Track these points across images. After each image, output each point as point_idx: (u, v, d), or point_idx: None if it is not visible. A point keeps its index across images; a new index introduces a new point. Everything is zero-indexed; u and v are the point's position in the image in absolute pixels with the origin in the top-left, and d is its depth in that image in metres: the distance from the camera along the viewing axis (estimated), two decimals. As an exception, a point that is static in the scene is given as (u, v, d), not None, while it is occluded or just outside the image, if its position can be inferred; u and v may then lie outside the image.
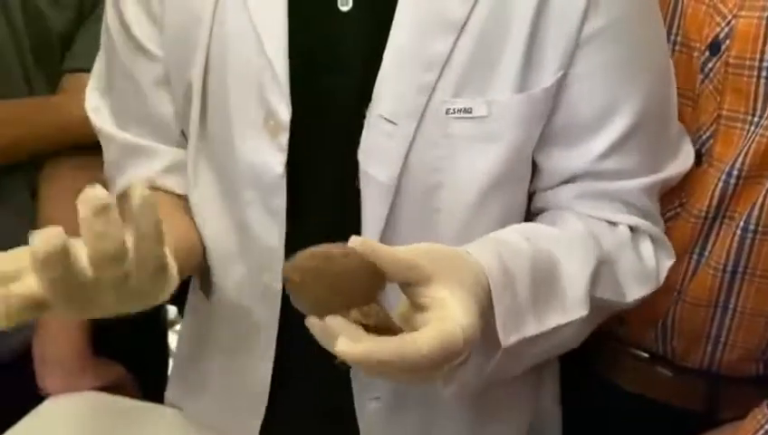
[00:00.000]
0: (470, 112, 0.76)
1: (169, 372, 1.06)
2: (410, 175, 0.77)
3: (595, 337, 1.01)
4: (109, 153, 0.91)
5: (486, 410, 0.87)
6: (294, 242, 0.78)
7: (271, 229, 0.82)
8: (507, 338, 0.68)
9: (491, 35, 0.75)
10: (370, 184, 0.78)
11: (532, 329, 0.70)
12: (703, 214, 0.90)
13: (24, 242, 0.99)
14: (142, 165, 0.89)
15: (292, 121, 0.78)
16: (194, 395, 0.98)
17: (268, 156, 0.80)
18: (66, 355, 1.06)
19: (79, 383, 1.07)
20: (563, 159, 0.80)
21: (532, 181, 0.83)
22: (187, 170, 0.87)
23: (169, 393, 1.03)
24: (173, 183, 0.89)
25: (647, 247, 0.83)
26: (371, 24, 0.76)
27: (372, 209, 0.78)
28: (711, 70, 0.88)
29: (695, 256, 0.92)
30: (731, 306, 0.91)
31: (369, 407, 0.86)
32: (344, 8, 0.77)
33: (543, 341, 0.72)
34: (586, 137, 0.79)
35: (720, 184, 0.88)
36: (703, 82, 0.89)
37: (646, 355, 0.99)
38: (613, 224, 0.82)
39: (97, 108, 0.91)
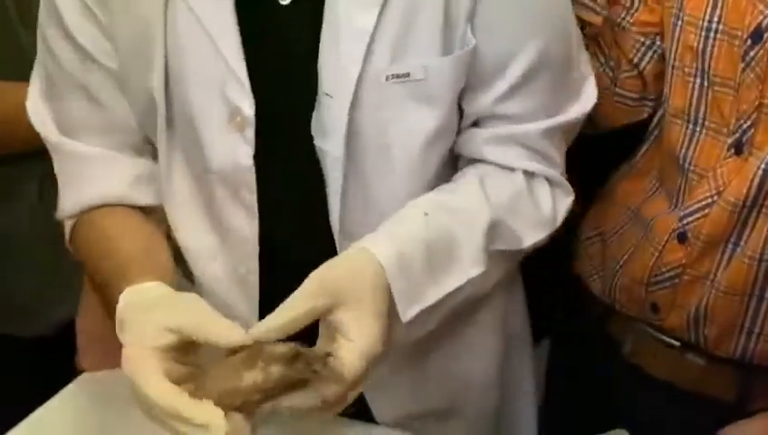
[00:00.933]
0: (408, 76, 0.81)
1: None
2: (357, 142, 0.82)
3: (624, 322, 1.02)
4: (60, 164, 0.90)
5: (460, 347, 0.97)
6: (268, 232, 0.85)
7: (245, 223, 0.86)
8: (406, 314, 0.76)
9: (413, 4, 0.79)
10: (325, 157, 0.83)
11: (431, 298, 0.78)
12: (740, 203, 0.90)
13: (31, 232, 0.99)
14: (104, 178, 0.89)
15: (255, 114, 0.81)
16: None
17: (236, 151, 0.83)
18: (109, 334, 1.07)
19: (118, 362, 1.07)
20: (471, 101, 0.86)
21: None
22: (160, 174, 0.88)
23: None
24: (139, 196, 0.90)
25: (543, 193, 0.89)
26: (309, 13, 0.81)
27: (332, 181, 0.83)
28: (753, 58, 0.88)
29: (730, 246, 0.92)
30: (766, 296, 0.91)
31: None
32: (284, 2, 0.80)
33: (449, 299, 0.80)
34: (490, 80, 0.84)
35: (759, 173, 0.88)
36: (744, 70, 0.89)
37: (677, 343, 0.99)
38: (511, 171, 0.87)
39: (41, 116, 0.90)
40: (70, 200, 0.90)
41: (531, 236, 0.87)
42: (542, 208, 0.88)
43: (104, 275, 0.83)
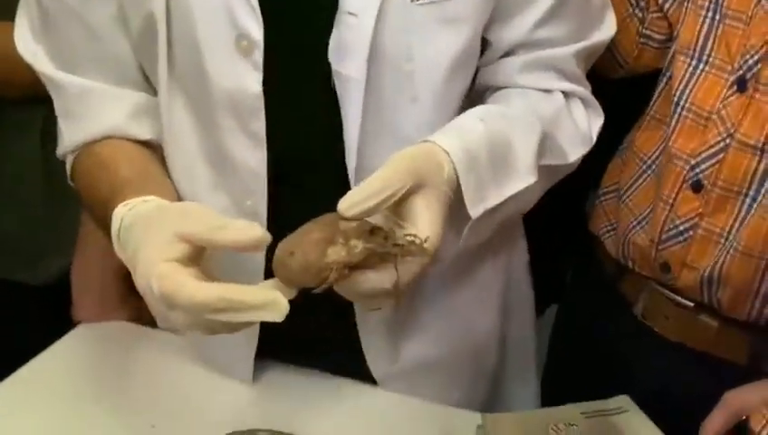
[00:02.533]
0: None
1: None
2: (380, 66, 0.80)
3: (637, 282, 1.00)
4: (60, 100, 0.88)
5: (461, 301, 0.97)
6: (275, 163, 0.82)
7: (252, 153, 0.82)
8: (476, 211, 0.76)
9: None
10: (344, 82, 0.79)
11: (493, 200, 0.78)
12: (759, 145, 0.86)
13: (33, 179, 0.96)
14: (104, 111, 0.86)
15: (264, 39, 0.78)
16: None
17: (243, 77, 0.79)
18: (104, 287, 1.06)
19: (113, 315, 1.06)
20: (504, 32, 0.87)
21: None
22: (160, 106, 0.85)
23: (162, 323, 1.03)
24: (139, 129, 0.87)
25: (579, 111, 0.91)
26: None
27: (350, 107, 0.80)
28: None
29: (748, 200, 0.89)
30: None
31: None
32: None
33: (504, 207, 0.80)
34: (522, 10, 0.86)
35: None
36: (759, 2, 0.86)
37: (690, 304, 0.96)
38: (548, 92, 0.89)
39: (34, 53, 0.87)
40: (69, 135, 0.88)
41: (574, 152, 0.89)
42: (579, 126, 0.91)
43: (100, 199, 0.80)
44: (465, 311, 0.97)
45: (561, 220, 1.17)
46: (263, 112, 0.80)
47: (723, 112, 0.89)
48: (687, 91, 0.93)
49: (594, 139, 0.92)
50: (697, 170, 0.91)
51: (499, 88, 0.90)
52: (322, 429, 0.84)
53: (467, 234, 0.78)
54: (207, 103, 0.82)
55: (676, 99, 0.93)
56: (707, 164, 0.91)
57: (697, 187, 0.92)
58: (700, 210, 0.92)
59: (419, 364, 0.96)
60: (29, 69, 0.88)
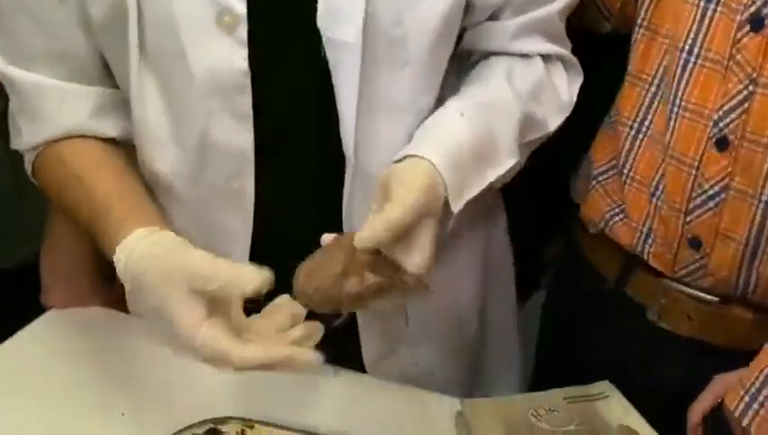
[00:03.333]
0: None
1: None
2: (374, 30, 0.78)
3: (647, 283, 0.95)
4: (16, 97, 0.85)
5: (442, 273, 0.93)
6: (260, 141, 0.81)
7: (239, 134, 0.81)
8: (457, 205, 0.79)
9: None
10: (337, 50, 0.78)
11: (475, 190, 0.81)
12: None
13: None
14: (64, 111, 0.84)
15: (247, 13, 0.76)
16: None
17: (228, 55, 0.77)
18: (74, 273, 1.03)
19: (84, 302, 1.04)
20: None
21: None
22: (131, 98, 0.82)
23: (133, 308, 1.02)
24: (103, 128, 0.85)
25: (560, 76, 0.92)
26: None
27: (344, 75, 0.79)
28: None
29: None
30: None
31: None
32: None
33: (486, 189, 0.83)
34: None
35: None
36: None
37: (715, 298, 0.91)
38: (529, 58, 0.90)
39: None
40: (28, 133, 0.85)
41: (554, 120, 0.91)
42: (560, 93, 0.92)
43: (83, 220, 0.81)
44: (448, 282, 0.96)
45: (542, 201, 1.16)
46: (249, 89, 0.78)
47: (739, 57, 0.83)
48: (701, 36, 0.86)
49: (574, 101, 0.92)
50: (721, 125, 0.85)
51: (484, 53, 0.90)
52: (297, 415, 0.82)
53: (450, 224, 0.80)
54: (185, 87, 0.79)
55: (686, 46, 0.87)
56: (731, 117, 0.84)
57: (723, 144, 0.85)
58: (729, 169, 0.85)
59: (408, 342, 0.96)
60: None
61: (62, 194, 0.84)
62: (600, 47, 1.04)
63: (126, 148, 0.87)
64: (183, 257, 0.71)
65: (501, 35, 0.88)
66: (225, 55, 0.77)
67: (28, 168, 0.88)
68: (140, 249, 0.73)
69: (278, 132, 0.82)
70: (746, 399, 0.73)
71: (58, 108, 0.83)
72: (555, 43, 0.91)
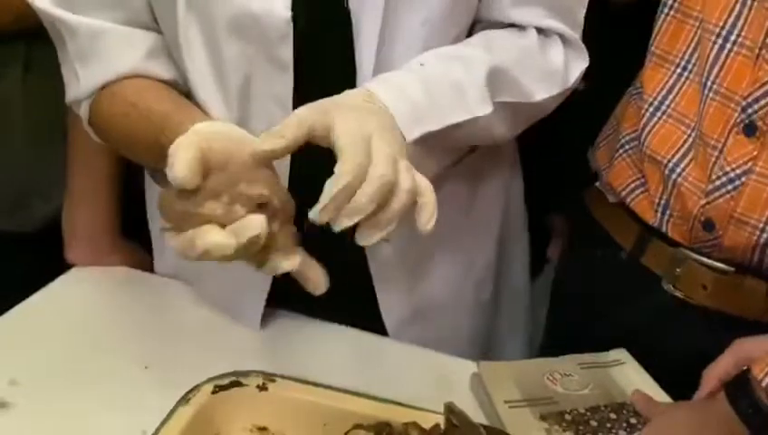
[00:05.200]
0: None
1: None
2: None
3: (664, 252, 0.95)
4: (73, 42, 0.85)
5: (461, 237, 0.98)
6: (302, 91, 0.81)
7: (279, 82, 0.82)
8: (411, 134, 0.75)
9: None
10: (362, 3, 0.80)
11: (435, 123, 0.78)
12: None
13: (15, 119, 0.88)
14: (120, 53, 0.84)
15: None
16: (185, 268, 0.99)
17: (271, 4, 0.79)
18: (97, 232, 1.04)
19: (106, 260, 1.05)
20: None
21: None
22: (179, 44, 0.83)
23: (159, 266, 1.04)
24: (159, 69, 0.86)
25: (555, 50, 0.89)
26: None
27: (366, 29, 0.80)
28: None
29: None
30: None
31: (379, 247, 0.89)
32: None
33: (454, 133, 0.80)
34: None
35: None
36: None
37: (731, 268, 0.90)
38: (522, 29, 0.88)
39: None
40: (85, 78, 0.85)
41: (541, 90, 0.87)
42: (552, 63, 0.88)
43: (140, 143, 0.80)
44: (466, 244, 0.97)
45: (559, 172, 1.17)
46: (291, 39, 0.80)
47: None
48: (740, 22, 0.85)
49: (571, 80, 0.89)
50: (750, 111, 0.85)
51: (486, 22, 0.89)
52: (316, 374, 0.83)
53: (412, 159, 0.74)
54: (228, 35, 0.81)
55: (723, 32, 0.87)
56: (761, 103, 0.84)
57: (751, 130, 0.85)
58: (755, 153, 0.86)
59: (428, 307, 0.97)
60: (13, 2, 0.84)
61: (118, 125, 0.84)
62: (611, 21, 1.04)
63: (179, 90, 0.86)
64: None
65: (503, 4, 0.87)
66: (267, 4, 0.79)
67: (84, 118, 0.88)
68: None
69: (314, 83, 0.82)
70: None
71: (115, 50, 0.84)
72: (558, 19, 0.88)
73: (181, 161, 0.63)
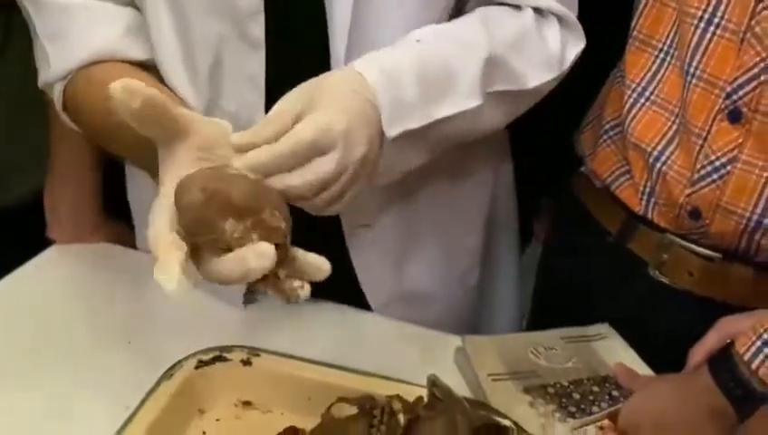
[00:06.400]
0: None
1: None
2: None
3: (650, 238, 0.94)
4: (42, 21, 0.82)
5: (448, 219, 0.97)
6: (274, 70, 0.80)
7: (251, 60, 0.80)
8: (392, 131, 0.73)
9: None
10: None
11: (419, 120, 0.75)
12: None
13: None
14: (95, 30, 0.81)
15: None
16: None
17: None
18: (79, 210, 1.04)
19: (88, 238, 1.05)
20: None
21: None
22: (149, 24, 0.81)
23: (140, 242, 1.03)
24: (136, 49, 0.83)
25: (552, 32, 0.86)
26: None
27: (338, 9, 0.79)
28: None
29: None
30: None
31: (359, 233, 0.90)
32: None
33: (439, 127, 0.77)
34: None
35: None
36: None
37: (718, 255, 0.90)
38: (518, 9, 0.85)
39: None
40: (57, 60, 0.82)
41: (536, 76, 0.84)
42: (549, 47, 0.85)
43: (118, 139, 0.78)
44: (452, 230, 0.96)
45: (547, 154, 1.16)
46: (262, 16, 0.78)
47: (758, 29, 0.82)
48: (722, 5, 0.84)
49: (567, 63, 0.87)
50: (735, 97, 0.84)
51: (479, 1, 0.86)
52: (299, 348, 0.83)
53: (397, 155, 0.76)
54: (198, 11, 0.79)
55: (705, 15, 0.86)
56: (745, 90, 0.83)
57: (735, 117, 0.85)
58: (740, 141, 0.85)
59: (413, 293, 0.97)
60: None
61: (97, 110, 0.80)
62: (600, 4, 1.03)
63: (154, 72, 0.85)
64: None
65: None
66: None
67: (58, 102, 0.85)
68: None
69: (286, 62, 0.81)
70: (758, 343, 0.74)
71: (88, 28, 0.81)
72: None
73: (170, 275, 0.60)
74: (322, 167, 0.67)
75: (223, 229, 0.61)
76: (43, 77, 0.84)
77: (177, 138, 0.65)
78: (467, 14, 0.84)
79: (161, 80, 0.84)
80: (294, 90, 0.71)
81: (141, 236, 1.04)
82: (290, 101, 0.70)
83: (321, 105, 0.68)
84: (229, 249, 0.61)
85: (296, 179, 0.66)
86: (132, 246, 1.05)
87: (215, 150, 0.66)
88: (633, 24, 0.94)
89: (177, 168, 0.64)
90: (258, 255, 0.60)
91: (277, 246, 0.61)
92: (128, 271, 1.00)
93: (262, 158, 0.66)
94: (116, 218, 1.07)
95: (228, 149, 0.67)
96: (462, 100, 0.78)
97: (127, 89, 0.61)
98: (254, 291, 0.63)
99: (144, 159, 0.75)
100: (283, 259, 0.62)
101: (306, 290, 0.64)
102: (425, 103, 0.76)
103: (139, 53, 0.83)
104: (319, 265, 0.66)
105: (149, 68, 0.84)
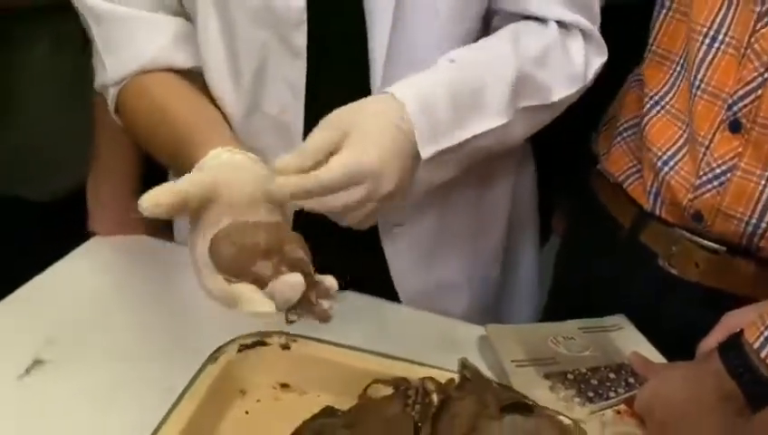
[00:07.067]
0: None
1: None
2: None
3: (660, 231, 0.98)
4: (100, 29, 0.88)
5: (472, 217, 1.02)
6: (315, 78, 0.85)
7: (292, 68, 0.85)
8: (425, 151, 0.78)
9: None
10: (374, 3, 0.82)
11: (451, 139, 0.80)
12: None
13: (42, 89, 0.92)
14: (147, 39, 0.87)
15: None
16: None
17: None
18: (120, 201, 1.08)
19: (127, 229, 1.09)
20: None
21: None
22: (197, 31, 0.86)
23: (178, 237, 1.08)
24: (182, 57, 0.88)
25: (576, 47, 0.89)
26: None
27: (378, 20, 0.83)
28: None
29: None
30: None
31: (393, 232, 0.95)
32: None
33: (469, 144, 0.82)
34: None
35: None
36: None
37: (723, 248, 0.94)
38: (544, 24, 0.88)
39: None
40: (112, 67, 0.88)
41: (560, 90, 0.88)
42: (573, 62, 0.89)
43: (165, 148, 0.84)
44: (478, 228, 1.01)
45: (566, 153, 1.20)
46: (305, 26, 0.83)
47: (756, 46, 0.86)
48: (726, 21, 0.88)
49: (590, 77, 0.91)
50: (735, 109, 0.89)
51: (505, 13, 0.90)
52: (328, 336, 0.87)
53: (429, 172, 0.80)
54: (244, 19, 0.84)
55: (711, 32, 0.90)
56: (744, 102, 0.88)
57: (736, 127, 0.89)
58: (740, 150, 0.89)
59: (440, 284, 1.01)
60: None
61: (145, 123, 0.87)
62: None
63: (200, 79, 0.90)
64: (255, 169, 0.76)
65: None
66: None
67: (111, 106, 0.91)
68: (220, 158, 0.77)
69: (323, 71, 0.86)
70: (766, 333, 0.77)
71: (140, 37, 0.87)
72: (578, 12, 0.89)
73: (258, 302, 0.67)
74: (353, 196, 0.73)
75: (255, 272, 0.69)
76: (100, 80, 0.90)
77: (205, 207, 0.71)
78: (498, 32, 0.88)
79: (204, 87, 0.90)
80: (334, 115, 0.75)
81: (179, 231, 1.09)
82: (328, 128, 0.74)
83: (357, 140, 0.73)
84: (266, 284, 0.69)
85: (331, 202, 0.73)
86: (169, 238, 1.10)
87: (239, 205, 0.72)
88: (651, 38, 0.99)
89: (208, 227, 0.71)
90: (291, 285, 0.68)
91: (305, 274, 0.69)
92: (165, 263, 1.05)
93: (306, 185, 0.71)
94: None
95: (255, 188, 0.73)
96: (492, 118, 0.83)
97: (152, 202, 0.69)
98: (291, 317, 0.71)
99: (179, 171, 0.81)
100: (311, 283, 0.70)
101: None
102: (458, 124, 0.81)
103: (185, 62, 0.89)
104: (330, 283, 0.72)
105: (194, 76, 0.90)
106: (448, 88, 0.80)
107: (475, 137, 0.82)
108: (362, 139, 0.74)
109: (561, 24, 0.89)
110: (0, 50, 1.09)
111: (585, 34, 0.90)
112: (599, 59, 0.91)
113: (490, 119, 0.83)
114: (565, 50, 0.88)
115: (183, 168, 0.78)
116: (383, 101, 0.78)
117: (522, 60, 0.84)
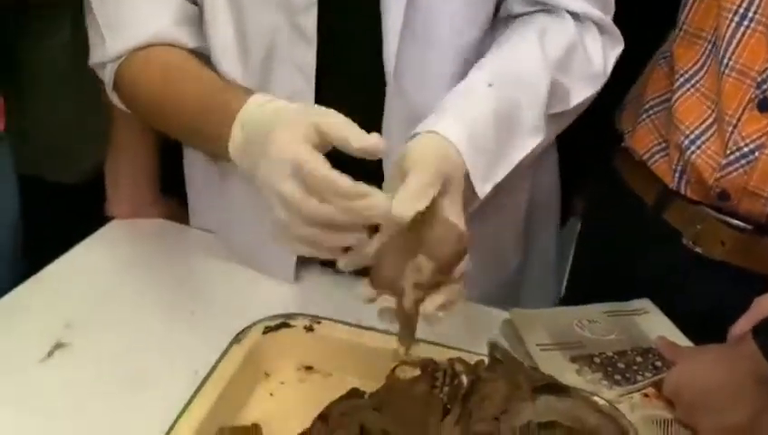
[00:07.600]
0: None
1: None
2: None
3: (685, 209, 0.98)
4: (98, 6, 0.87)
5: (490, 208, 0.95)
6: (325, 62, 0.84)
7: (302, 51, 0.84)
8: (483, 190, 0.80)
9: None
10: None
11: (501, 174, 0.81)
12: None
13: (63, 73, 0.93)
14: (150, 16, 0.86)
15: None
16: (221, 224, 1.02)
17: None
18: (137, 184, 1.08)
19: (145, 212, 1.09)
20: None
21: None
22: (204, 10, 0.85)
23: (194, 221, 1.07)
24: (186, 36, 0.87)
25: (594, 44, 0.89)
26: None
27: (392, 8, 0.82)
28: None
29: None
30: None
31: None
32: None
33: (513, 171, 0.83)
34: None
35: None
36: None
37: (749, 226, 0.94)
38: (562, 19, 0.87)
39: None
40: (112, 42, 0.87)
41: (580, 93, 0.88)
42: (593, 62, 0.89)
43: (189, 104, 0.83)
44: (499, 216, 0.99)
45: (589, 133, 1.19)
46: (315, 9, 0.82)
47: None
48: (756, 1, 0.88)
49: (609, 71, 0.90)
50: (764, 87, 0.88)
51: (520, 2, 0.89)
52: (353, 318, 0.87)
53: (475, 205, 0.81)
54: (253, 2, 0.83)
55: (741, 9, 0.89)
56: None
57: (765, 105, 0.88)
58: (767, 129, 0.89)
59: None
60: None
61: (154, 90, 0.86)
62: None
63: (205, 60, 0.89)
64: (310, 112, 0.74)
65: None
66: None
67: (109, 82, 0.90)
68: (269, 105, 0.76)
69: (334, 55, 0.85)
70: None
71: (144, 13, 0.86)
72: (592, 2, 0.88)
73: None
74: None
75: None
76: (97, 57, 0.90)
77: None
78: (522, 30, 0.87)
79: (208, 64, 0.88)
80: (431, 163, 0.73)
81: (195, 216, 1.08)
82: (433, 177, 0.72)
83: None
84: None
85: None
86: (185, 222, 1.09)
87: None
88: (682, 17, 0.98)
89: None
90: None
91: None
92: (182, 246, 1.05)
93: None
94: (170, 196, 1.12)
95: None
96: (531, 139, 0.83)
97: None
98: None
99: (195, 138, 0.81)
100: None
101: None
102: (504, 156, 0.81)
103: (188, 41, 0.88)
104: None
105: (198, 56, 0.88)
106: (493, 120, 0.80)
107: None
108: (457, 200, 0.75)
109: (575, 15, 0.88)
110: (21, 39, 1.08)
111: (599, 26, 0.89)
112: (615, 51, 0.91)
113: (530, 140, 0.83)
114: (584, 48, 0.88)
115: (212, 119, 0.77)
116: (447, 147, 0.76)
117: (550, 68, 0.84)
